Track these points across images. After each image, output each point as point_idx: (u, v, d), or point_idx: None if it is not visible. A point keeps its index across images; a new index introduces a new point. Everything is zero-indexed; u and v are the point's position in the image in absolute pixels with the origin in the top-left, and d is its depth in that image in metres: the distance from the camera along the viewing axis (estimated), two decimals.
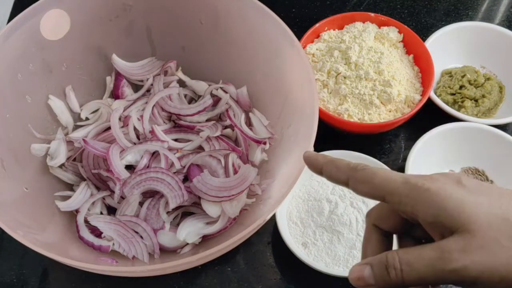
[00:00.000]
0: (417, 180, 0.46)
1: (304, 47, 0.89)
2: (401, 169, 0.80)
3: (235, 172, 0.74)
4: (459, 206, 0.44)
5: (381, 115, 0.84)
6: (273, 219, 0.77)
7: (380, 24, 0.93)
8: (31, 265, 0.76)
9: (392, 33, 0.91)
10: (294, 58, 0.72)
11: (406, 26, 0.91)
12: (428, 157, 0.83)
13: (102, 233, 0.71)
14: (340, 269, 0.73)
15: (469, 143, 0.84)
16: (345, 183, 0.51)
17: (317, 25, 0.92)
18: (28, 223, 0.65)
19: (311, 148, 0.64)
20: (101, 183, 0.76)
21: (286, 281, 0.76)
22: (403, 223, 0.50)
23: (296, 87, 0.72)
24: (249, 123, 0.81)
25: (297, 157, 0.67)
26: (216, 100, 0.83)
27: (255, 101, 0.82)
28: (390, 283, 0.45)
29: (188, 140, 0.79)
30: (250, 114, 0.81)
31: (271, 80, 0.78)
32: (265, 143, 0.77)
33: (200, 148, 0.79)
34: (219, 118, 0.83)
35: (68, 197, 0.74)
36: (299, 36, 0.87)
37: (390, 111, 0.85)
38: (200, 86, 0.85)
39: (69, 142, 0.77)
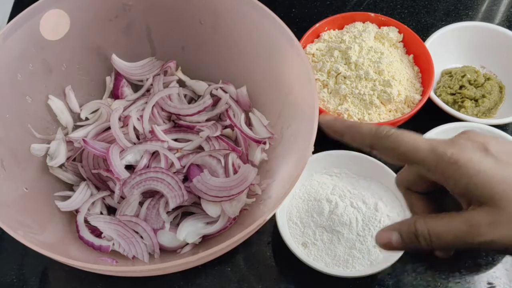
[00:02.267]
0: (445, 149, 0.47)
1: (304, 47, 0.89)
2: None
3: (235, 172, 0.74)
4: (487, 182, 0.45)
5: (381, 115, 0.84)
6: (273, 219, 0.77)
7: (380, 24, 0.93)
8: (31, 265, 0.76)
9: (392, 33, 0.91)
10: (294, 57, 0.72)
11: (406, 26, 0.91)
12: None
13: (102, 233, 0.71)
14: (340, 269, 0.73)
15: None
16: (370, 148, 0.52)
17: (317, 25, 0.92)
18: (28, 223, 0.65)
19: (311, 149, 0.64)
20: (101, 183, 0.76)
21: (286, 281, 0.76)
22: (434, 185, 0.51)
23: (296, 86, 0.72)
24: (249, 123, 0.81)
25: (297, 157, 0.67)
26: (216, 100, 0.83)
27: (255, 101, 0.82)
28: (420, 248, 0.48)
29: (188, 140, 0.79)
30: (250, 114, 0.81)
31: (271, 80, 0.78)
32: (265, 143, 0.77)
33: (200, 148, 0.79)
34: (219, 118, 0.83)
35: (68, 197, 0.74)
36: (299, 36, 0.87)
37: (390, 111, 0.85)
38: (200, 86, 0.85)
39: (69, 142, 0.77)
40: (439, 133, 0.83)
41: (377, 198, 0.78)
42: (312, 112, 0.66)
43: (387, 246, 0.50)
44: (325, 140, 0.80)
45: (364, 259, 0.73)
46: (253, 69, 0.81)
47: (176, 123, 0.82)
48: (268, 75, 0.78)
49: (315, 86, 0.68)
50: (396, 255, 0.72)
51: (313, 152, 0.79)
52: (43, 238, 0.65)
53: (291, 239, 0.74)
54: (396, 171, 0.78)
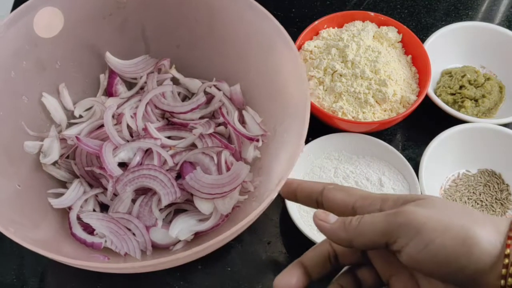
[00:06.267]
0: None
1: (302, 44, 0.89)
2: None
3: (228, 169, 0.74)
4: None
5: (375, 114, 0.84)
6: (272, 219, 0.78)
7: (379, 24, 0.92)
8: (31, 265, 0.76)
9: (391, 33, 0.90)
10: (287, 55, 0.72)
11: (405, 27, 0.91)
12: (442, 159, 0.83)
13: (94, 230, 0.71)
14: None
15: (485, 144, 0.84)
16: (319, 193, 0.52)
17: (316, 22, 0.91)
18: (21, 220, 0.65)
19: (303, 145, 0.64)
20: (94, 181, 0.76)
21: None
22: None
23: (288, 84, 0.72)
24: (242, 121, 0.81)
25: (289, 154, 0.67)
26: (210, 98, 0.83)
27: (248, 99, 0.82)
28: (348, 229, 0.47)
29: (181, 138, 0.79)
30: (243, 112, 0.81)
31: (264, 78, 0.78)
32: (257, 140, 0.77)
33: (193, 146, 0.79)
34: (212, 116, 0.83)
35: (61, 194, 0.74)
36: (298, 35, 0.87)
37: (385, 111, 0.85)
38: (194, 83, 0.85)
39: (62, 140, 0.77)
40: (453, 134, 0.82)
41: (380, 174, 0.79)
42: (304, 109, 0.66)
43: (322, 216, 0.50)
44: (319, 126, 0.81)
45: None
46: (247, 67, 0.81)
47: (169, 121, 0.82)
48: (261, 73, 0.78)
49: (307, 83, 0.68)
50: None
51: (310, 139, 0.79)
52: (36, 236, 0.65)
53: (306, 228, 0.75)
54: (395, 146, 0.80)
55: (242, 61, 0.81)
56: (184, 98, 0.86)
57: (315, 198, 0.53)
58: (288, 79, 0.73)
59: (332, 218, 0.50)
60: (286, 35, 0.72)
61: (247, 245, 0.78)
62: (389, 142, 0.89)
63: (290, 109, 0.71)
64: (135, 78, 0.85)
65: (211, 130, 0.79)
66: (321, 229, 0.50)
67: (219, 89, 0.83)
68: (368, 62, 0.85)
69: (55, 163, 0.77)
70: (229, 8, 0.78)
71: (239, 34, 0.79)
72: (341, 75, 0.85)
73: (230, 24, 0.79)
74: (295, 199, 0.56)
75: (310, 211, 0.77)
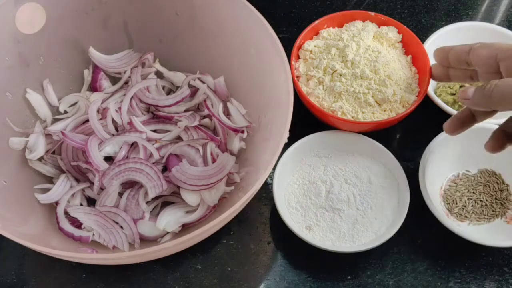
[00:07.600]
0: None
1: (302, 44, 0.89)
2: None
3: (214, 161, 0.75)
4: None
5: (375, 114, 0.83)
6: (269, 218, 0.79)
7: (379, 24, 0.91)
8: (31, 265, 0.76)
9: (391, 33, 0.89)
10: (269, 46, 0.72)
11: (405, 27, 0.90)
12: (442, 159, 0.83)
13: (82, 224, 0.71)
14: (347, 245, 0.74)
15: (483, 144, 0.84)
16: (467, 53, 0.66)
17: (316, 22, 0.90)
18: (8, 216, 0.65)
19: (287, 134, 0.64)
20: (81, 175, 0.77)
21: (287, 281, 0.76)
22: None
23: (272, 74, 0.73)
24: (227, 112, 0.81)
25: (274, 144, 0.67)
26: (194, 91, 0.83)
27: (232, 91, 0.83)
28: (483, 95, 0.59)
29: (167, 131, 0.80)
30: (228, 104, 0.81)
31: (247, 69, 0.78)
32: (243, 132, 0.78)
33: (178, 138, 0.79)
34: (197, 108, 0.84)
35: (48, 189, 0.74)
36: (298, 35, 0.87)
37: (384, 111, 0.83)
38: (178, 77, 0.85)
39: (48, 135, 0.78)
40: (447, 137, 0.81)
41: (368, 172, 0.80)
42: (287, 99, 0.67)
43: (463, 92, 0.63)
44: (308, 124, 0.81)
45: (368, 232, 0.75)
46: (230, 59, 0.81)
47: (154, 114, 0.82)
48: (245, 64, 0.79)
49: (290, 73, 0.69)
50: (397, 225, 0.73)
51: (299, 137, 0.80)
52: (24, 230, 0.66)
53: (294, 225, 0.75)
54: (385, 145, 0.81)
55: (225, 53, 0.82)
56: (169, 92, 0.86)
57: (464, 59, 0.65)
58: (271, 69, 0.73)
59: (470, 91, 0.62)
60: (266, 25, 0.72)
61: (247, 246, 0.78)
62: (389, 142, 0.89)
63: (273, 99, 0.72)
64: (119, 73, 0.85)
65: (196, 123, 0.79)
66: (465, 103, 0.65)
67: (203, 82, 0.83)
68: (368, 62, 0.84)
69: (41, 159, 0.77)
70: (209, 0, 0.78)
71: (220, 25, 0.80)
72: (340, 75, 0.84)
73: (211, 17, 0.80)
74: (448, 63, 0.69)
75: (299, 208, 0.78)
